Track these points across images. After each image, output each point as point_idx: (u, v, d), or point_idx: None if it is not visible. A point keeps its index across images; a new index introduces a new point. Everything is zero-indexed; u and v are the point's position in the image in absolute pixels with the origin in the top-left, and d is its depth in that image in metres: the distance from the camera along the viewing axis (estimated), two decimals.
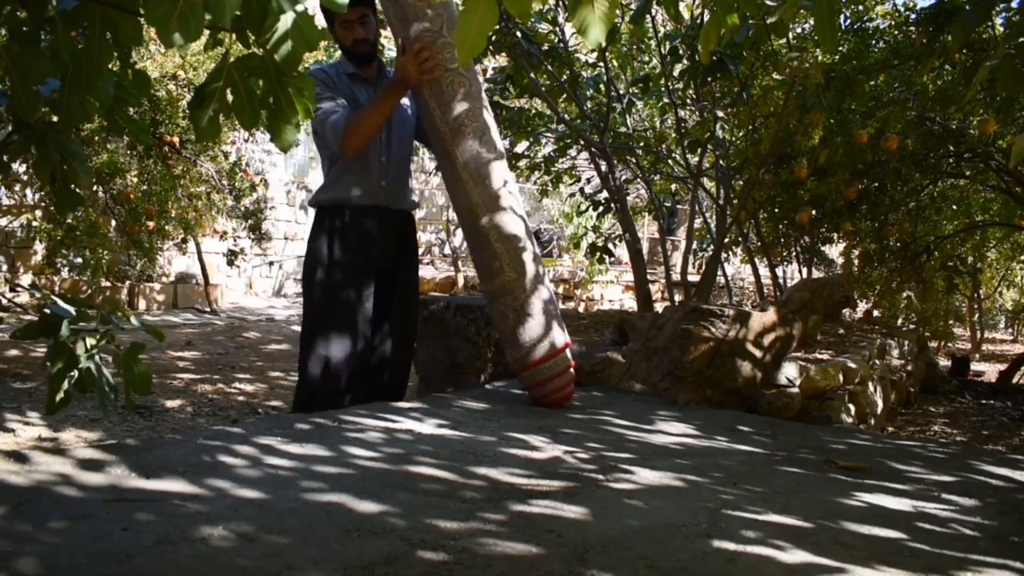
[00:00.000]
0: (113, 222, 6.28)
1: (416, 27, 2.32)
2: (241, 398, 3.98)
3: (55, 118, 1.61)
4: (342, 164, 2.53)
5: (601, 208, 5.18)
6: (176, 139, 5.68)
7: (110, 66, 1.47)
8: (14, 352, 4.76)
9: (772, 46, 4.42)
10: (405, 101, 2.59)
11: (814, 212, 4.74)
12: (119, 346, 1.75)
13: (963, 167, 5.33)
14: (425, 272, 10.13)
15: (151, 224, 5.97)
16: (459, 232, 12.26)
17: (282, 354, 5.61)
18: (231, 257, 7.25)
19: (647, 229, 11.37)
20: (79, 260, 6.56)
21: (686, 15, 4.42)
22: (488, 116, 2.44)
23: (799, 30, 5.27)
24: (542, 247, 12.50)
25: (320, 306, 2.52)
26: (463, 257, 10.98)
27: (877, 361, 4.40)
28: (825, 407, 3.33)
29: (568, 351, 2.50)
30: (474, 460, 1.83)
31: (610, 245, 5.44)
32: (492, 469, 1.76)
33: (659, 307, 5.33)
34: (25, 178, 6.47)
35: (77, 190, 1.72)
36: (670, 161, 5.43)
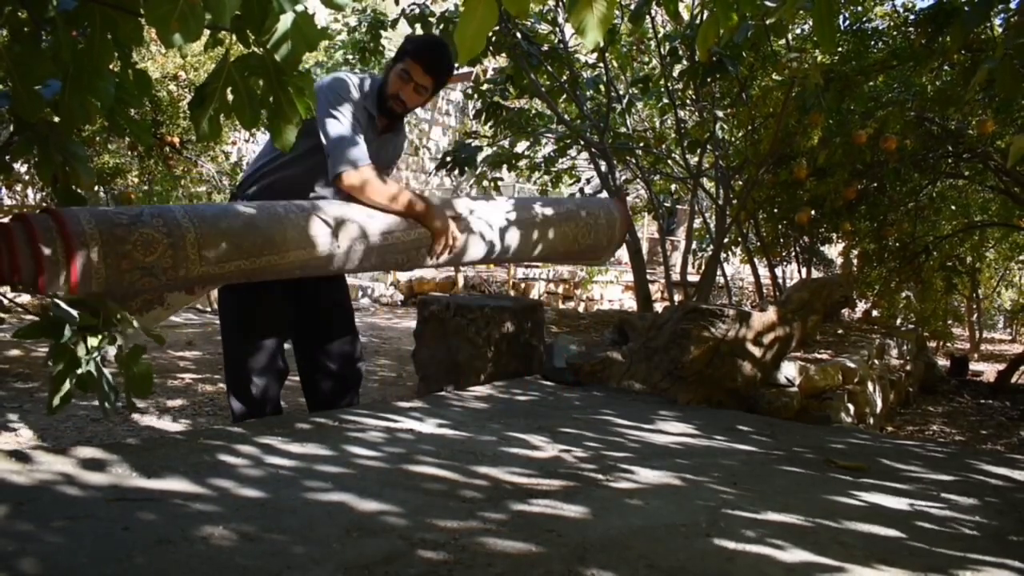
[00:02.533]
0: None
1: (467, 206, 2.32)
2: None
3: (56, 119, 1.61)
4: (280, 161, 2.30)
5: None
6: (177, 139, 5.68)
7: (111, 66, 1.47)
8: (15, 352, 4.76)
9: (771, 47, 4.43)
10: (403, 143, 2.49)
11: (813, 212, 4.75)
12: (121, 347, 1.76)
13: (962, 167, 5.33)
14: (425, 272, 10.13)
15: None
16: None
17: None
18: None
19: (647, 229, 11.37)
20: None
21: (685, 15, 4.42)
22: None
23: (798, 31, 5.28)
24: None
25: (232, 324, 2.34)
26: None
27: (876, 361, 4.41)
28: (824, 407, 3.33)
29: None
30: (474, 460, 1.84)
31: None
32: (492, 468, 1.76)
33: (659, 307, 5.34)
34: (27, 178, 6.47)
35: (79, 191, 1.72)
36: (670, 161, 5.43)
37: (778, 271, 6.05)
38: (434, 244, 2.22)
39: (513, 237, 2.44)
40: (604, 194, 5.09)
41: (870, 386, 3.96)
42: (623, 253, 7.43)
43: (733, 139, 5.44)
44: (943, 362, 7.12)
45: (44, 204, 6.14)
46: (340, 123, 2.16)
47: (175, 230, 1.79)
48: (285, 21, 1.32)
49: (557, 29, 4.83)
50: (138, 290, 1.80)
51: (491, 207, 2.43)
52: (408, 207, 2.16)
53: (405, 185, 2.28)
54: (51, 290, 1.63)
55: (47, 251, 1.62)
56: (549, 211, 2.57)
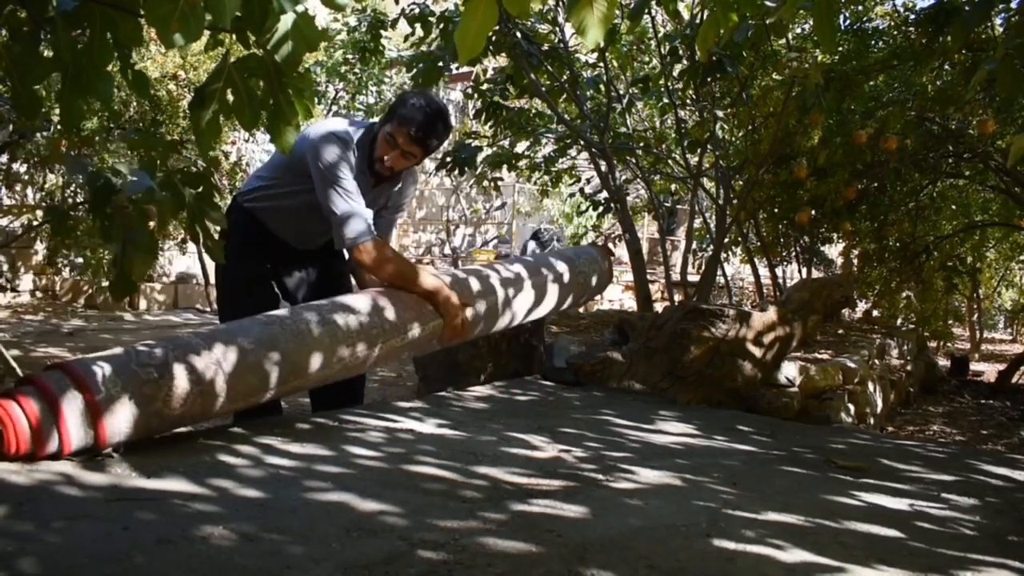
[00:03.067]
0: None
1: (481, 304, 2.34)
2: None
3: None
4: (276, 191, 2.32)
5: (601, 208, 5.19)
6: (176, 139, 5.68)
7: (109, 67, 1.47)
8: (15, 352, 4.76)
9: (771, 46, 4.43)
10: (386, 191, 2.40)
11: (813, 212, 4.74)
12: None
13: (962, 167, 5.33)
14: None
15: (152, 224, 5.97)
16: (459, 232, 12.29)
17: None
18: None
19: (647, 229, 11.37)
20: (80, 260, 6.56)
21: (685, 15, 4.42)
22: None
23: (798, 30, 5.27)
24: (542, 247, 12.51)
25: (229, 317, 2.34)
26: (463, 257, 10.99)
27: (876, 361, 4.41)
28: (825, 407, 3.33)
29: None
30: (474, 460, 1.84)
31: (610, 245, 5.44)
32: (492, 468, 1.76)
33: (659, 307, 5.33)
34: (26, 178, 6.47)
35: (133, 280, 1.68)
36: (670, 161, 5.43)
37: (778, 271, 6.05)
38: (444, 331, 2.22)
39: (521, 308, 2.58)
40: (604, 194, 5.09)
41: (870, 386, 3.96)
42: (623, 253, 7.43)
43: (733, 139, 5.43)
44: (943, 362, 7.12)
45: (44, 204, 6.14)
46: (342, 192, 2.12)
47: (203, 376, 1.74)
48: (285, 22, 1.32)
49: (557, 29, 4.83)
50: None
51: (501, 290, 2.48)
52: (419, 287, 2.16)
53: (412, 279, 2.21)
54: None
55: (73, 424, 1.54)
56: (552, 282, 2.72)
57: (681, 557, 1.31)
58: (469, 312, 2.27)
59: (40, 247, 6.76)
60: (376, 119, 2.43)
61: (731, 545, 1.37)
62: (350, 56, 8.45)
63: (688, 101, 4.98)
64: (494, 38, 4.17)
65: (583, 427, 2.27)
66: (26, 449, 1.51)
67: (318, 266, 2.50)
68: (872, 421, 3.92)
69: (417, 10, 4.47)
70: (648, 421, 2.44)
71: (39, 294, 6.88)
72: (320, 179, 2.14)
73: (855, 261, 6.19)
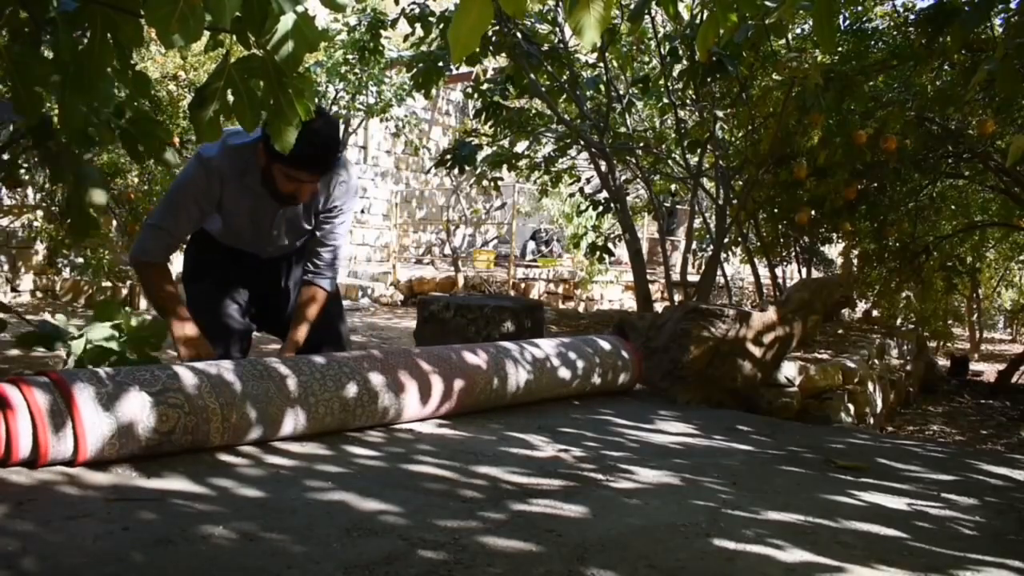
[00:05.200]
0: (114, 222, 6.28)
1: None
2: None
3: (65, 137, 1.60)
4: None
5: (601, 208, 5.19)
6: (177, 139, 5.68)
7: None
8: (15, 352, 4.76)
9: (771, 47, 4.43)
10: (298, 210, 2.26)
11: (813, 212, 4.74)
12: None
13: (962, 167, 5.33)
14: (425, 272, 10.14)
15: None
16: (459, 232, 12.28)
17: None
18: None
19: (647, 229, 11.36)
20: (80, 260, 6.55)
21: (685, 15, 4.42)
22: None
23: (798, 31, 5.27)
24: (541, 247, 12.50)
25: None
26: (463, 257, 10.98)
27: (876, 361, 4.41)
28: (824, 407, 3.33)
29: None
30: (474, 459, 1.84)
31: (610, 245, 5.44)
32: (492, 468, 1.77)
33: (659, 307, 5.34)
34: (26, 178, 6.47)
35: (92, 212, 1.69)
36: (670, 161, 5.43)
37: (778, 271, 6.05)
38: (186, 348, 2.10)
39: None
40: (604, 194, 5.09)
41: (870, 386, 3.97)
42: (623, 253, 7.43)
43: (733, 139, 5.43)
44: (943, 362, 7.12)
45: (43, 204, 6.15)
46: (163, 210, 2.14)
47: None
48: (285, 22, 1.32)
49: (557, 29, 4.83)
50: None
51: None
52: (161, 310, 2.14)
53: (163, 307, 2.14)
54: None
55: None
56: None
57: (681, 557, 1.31)
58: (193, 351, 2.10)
59: (40, 247, 6.76)
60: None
61: (731, 545, 1.38)
62: (350, 56, 8.45)
63: (688, 101, 4.98)
64: (494, 38, 4.17)
65: (583, 427, 2.27)
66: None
67: (270, 276, 2.42)
68: (872, 421, 3.93)
69: (417, 10, 4.47)
70: (648, 421, 2.44)
71: (39, 294, 6.88)
72: (165, 196, 2.17)
73: (855, 261, 6.19)
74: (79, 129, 1.48)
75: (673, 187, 6.70)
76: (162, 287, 2.14)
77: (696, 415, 2.62)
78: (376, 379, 2.03)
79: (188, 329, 2.11)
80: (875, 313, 6.39)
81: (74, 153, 1.59)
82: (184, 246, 2.42)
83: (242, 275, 2.35)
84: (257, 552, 1.22)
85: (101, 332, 1.94)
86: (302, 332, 2.27)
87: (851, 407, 3.57)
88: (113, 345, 1.87)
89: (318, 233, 2.30)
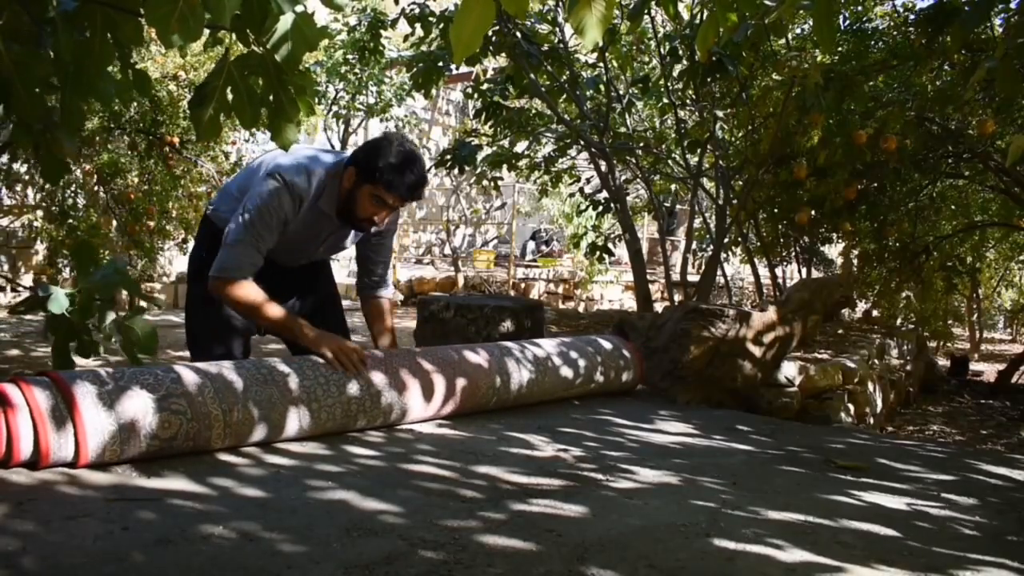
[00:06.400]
0: (114, 222, 6.28)
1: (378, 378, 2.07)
2: None
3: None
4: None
5: (601, 208, 5.19)
6: (176, 139, 5.67)
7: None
8: (15, 352, 4.76)
9: (771, 46, 4.43)
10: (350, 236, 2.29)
11: (813, 212, 4.74)
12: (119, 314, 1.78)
13: (962, 167, 5.33)
14: (425, 272, 10.14)
15: (152, 224, 5.97)
16: (459, 232, 12.28)
17: (283, 351, 5.61)
18: None
19: (647, 229, 11.37)
20: None
21: (685, 15, 4.42)
22: None
23: (798, 30, 5.27)
24: (541, 247, 12.51)
25: (202, 322, 2.27)
26: (463, 257, 10.98)
27: (876, 361, 4.41)
28: (824, 407, 3.33)
29: None
30: (474, 459, 1.84)
31: (610, 245, 5.44)
32: (492, 468, 1.77)
33: (659, 307, 5.33)
34: (27, 178, 6.47)
35: (63, 157, 1.66)
36: (670, 161, 5.43)
37: (778, 271, 6.05)
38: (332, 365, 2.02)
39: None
40: (604, 194, 5.09)
41: (870, 386, 3.97)
42: (623, 253, 7.43)
43: (733, 139, 5.43)
44: (943, 362, 7.13)
45: (43, 204, 6.15)
46: (247, 227, 2.05)
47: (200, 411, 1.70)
48: (285, 21, 1.32)
49: (557, 29, 4.83)
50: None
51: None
52: (290, 333, 2.09)
53: (285, 325, 2.10)
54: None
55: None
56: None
57: (681, 556, 1.31)
58: (346, 345, 2.06)
59: (40, 247, 6.75)
60: (343, 151, 2.29)
61: (731, 545, 1.38)
62: (350, 56, 8.45)
63: (688, 101, 4.98)
64: (494, 38, 4.17)
65: (583, 427, 2.27)
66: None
67: (304, 282, 2.41)
68: (872, 421, 3.93)
69: (417, 10, 4.47)
70: (648, 421, 2.44)
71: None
72: (243, 210, 2.08)
73: (855, 261, 6.19)
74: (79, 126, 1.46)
75: (673, 187, 6.70)
76: (267, 303, 2.07)
77: (696, 415, 2.62)
78: (378, 379, 2.03)
79: (309, 329, 2.08)
80: (875, 313, 6.39)
81: (41, 103, 1.56)
82: (194, 244, 2.40)
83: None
84: (257, 552, 1.22)
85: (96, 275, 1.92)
86: (385, 341, 2.33)
87: (851, 407, 3.57)
88: (102, 289, 1.84)
89: (371, 252, 2.35)
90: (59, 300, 1.80)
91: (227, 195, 2.28)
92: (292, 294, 2.36)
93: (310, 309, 2.39)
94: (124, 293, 6.84)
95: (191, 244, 7.40)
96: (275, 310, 2.08)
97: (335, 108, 9.39)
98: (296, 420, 1.85)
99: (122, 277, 1.83)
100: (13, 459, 1.49)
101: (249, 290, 2.07)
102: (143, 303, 2.00)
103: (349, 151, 2.23)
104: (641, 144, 5.14)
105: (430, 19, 4.45)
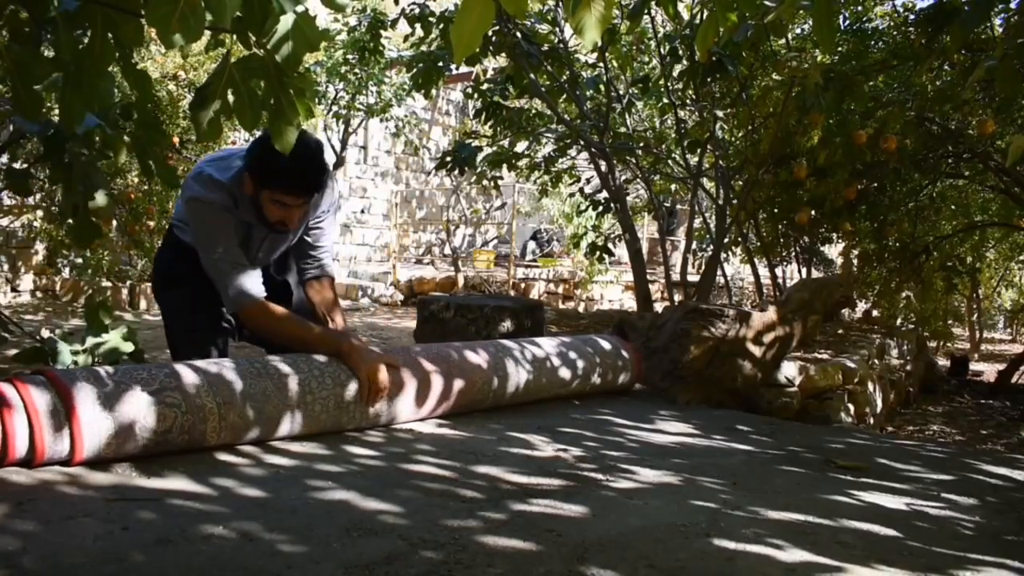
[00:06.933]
0: (114, 222, 6.28)
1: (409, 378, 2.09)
2: None
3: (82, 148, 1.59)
4: None
5: (601, 208, 5.19)
6: (177, 139, 5.68)
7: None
8: (15, 351, 4.76)
9: (771, 46, 4.43)
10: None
11: (813, 212, 4.75)
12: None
13: (962, 167, 5.33)
14: (425, 272, 10.14)
15: (152, 224, 5.97)
16: (459, 232, 12.28)
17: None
18: None
19: (647, 229, 11.37)
20: (80, 260, 6.55)
21: (685, 15, 4.43)
22: None
23: (798, 30, 5.28)
24: (542, 247, 12.50)
25: (179, 327, 2.24)
26: (463, 257, 10.98)
27: (876, 361, 4.41)
28: (824, 407, 3.33)
29: None
30: (474, 459, 1.84)
31: (610, 245, 5.44)
32: (492, 468, 1.77)
33: (659, 307, 5.34)
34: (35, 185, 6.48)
35: (96, 221, 1.68)
36: (670, 161, 5.44)
37: (778, 271, 6.05)
38: (360, 386, 1.97)
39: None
40: (604, 194, 5.09)
41: (870, 386, 3.97)
42: (623, 253, 7.43)
43: (733, 139, 5.43)
44: (943, 362, 7.13)
45: (43, 204, 6.15)
46: (219, 260, 2.01)
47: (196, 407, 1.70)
48: (286, 22, 1.32)
49: (557, 29, 4.83)
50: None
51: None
52: (312, 344, 2.02)
53: (307, 337, 2.05)
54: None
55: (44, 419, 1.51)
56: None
57: (681, 557, 1.31)
58: (384, 373, 1.99)
59: (40, 247, 6.76)
60: (237, 148, 2.18)
61: (731, 545, 1.38)
62: (350, 56, 8.45)
63: (688, 101, 4.98)
64: (494, 38, 4.17)
65: (583, 427, 2.27)
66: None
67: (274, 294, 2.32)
68: (872, 421, 3.93)
69: (417, 10, 4.48)
70: (648, 421, 2.44)
71: (39, 294, 6.88)
72: (198, 246, 2.05)
73: (855, 261, 6.20)
74: (87, 134, 1.47)
75: (673, 187, 6.70)
76: (289, 321, 2.04)
77: (696, 415, 2.62)
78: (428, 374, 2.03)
79: (345, 344, 2.02)
80: (875, 313, 6.39)
81: (84, 161, 1.58)
82: (159, 249, 2.36)
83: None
84: (257, 552, 1.22)
85: (104, 338, 1.94)
86: (339, 318, 2.28)
87: (851, 407, 3.57)
88: (120, 346, 1.88)
89: (308, 239, 2.27)
90: (63, 357, 1.81)
91: (179, 209, 2.25)
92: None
93: None
94: (124, 292, 6.85)
95: None
96: (299, 328, 2.03)
97: (335, 108, 9.39)
98: (290, 418, 1.85)
99: (129, 349, 1.84)
100: (8, 457, 1.49)
101: (270, 312, 2.02)
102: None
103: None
104: (641, 144, 5.14)
105: (430, 19, 4.45)
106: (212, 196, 2.02)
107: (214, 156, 2.14)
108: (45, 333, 1.64)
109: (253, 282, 2.04)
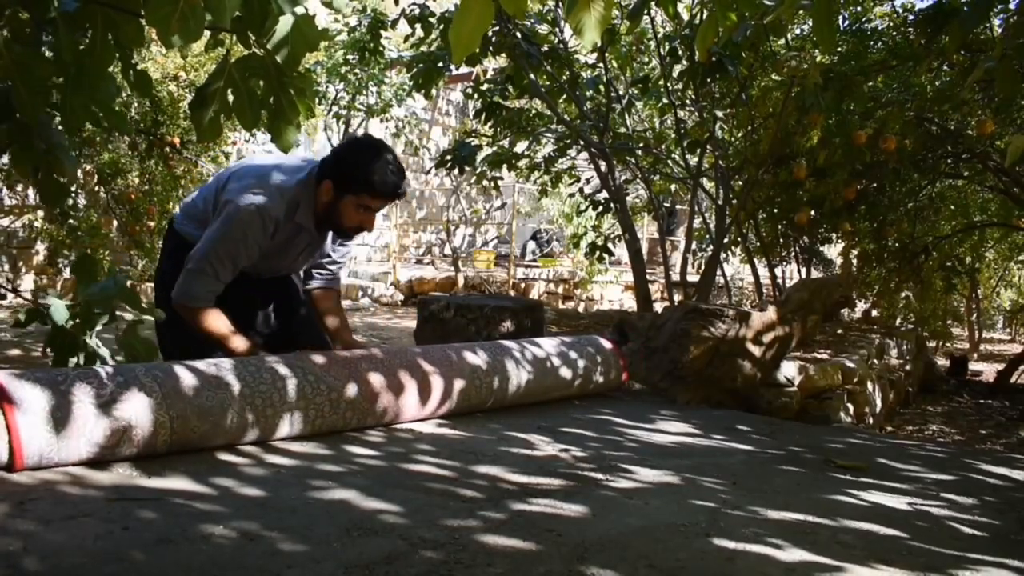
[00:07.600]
0: (115, 222, 6.28)
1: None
2: None
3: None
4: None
5: (601, 208, 5.19)
6: (177, 139, 5.68)
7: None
8: (15, 352, 4.76)
9: (771, 47, 4.43)
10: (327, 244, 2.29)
11: (813, 212, 4.75)
12: (118, 327, 1.78)
13: (961, 168, 5.34)
14: (425, 272, 10.14)
15: (152, 224, 5.97)
16: (459, 232, 12.28)
17: None
18: None
19: (647, 229, 11.37)
20: None
21: (685, 15, 4.43)
22: None
23: (798, 31, 5.28)
24: (542, 247, 12.50)
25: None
26: (463, 257, 10.98)
27: (875, 361, 4.41)
28: (824, 406, 3.34)
29: None
30: (474, 459, 1.84)
31: (610, 245, 5.44)
32: (492, 468, 1.77)
33: (659, 307, 5.34)
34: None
35: (63, 180, 1.65)
36: (669, 161, 5.44)
37: (778, 271, 6.05)
38: None
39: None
40: (604, 194, 5.10)
41: (870, 386, 3.97)
42: (623, 253, 7.44)
43: (733, 139, 5.44)
44: (942, 362, 7.13)
45: (44, 204, 6.15)
46: (212, 256, 2.01)
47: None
48: (285, 22, 1.32)
49: (557, 29, 4.83)
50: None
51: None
52: (227, 348, 2.04)
53: (224, 342, 2.05)
54: None
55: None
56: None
57: (681, 556, 1.31)
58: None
59: (41, 247, 6.76)
60: (309, 159, 2.19)
61: (731, 544, 1.38)
62: (350, 56, 8.45)
63: (688, 101, 4.98)
64: (494, 39, 4.17)
65: (583, 427, 2.28)
66: None
67: (277, 292, 2.36)
68: (871, 421, 3.93)
69: (417, 11, 4.48)
70: (648, 421, 2.44)
71: (39, 294, 6.89)
72: (212, 239, 2.03)
73: (854, 261, 6.20)
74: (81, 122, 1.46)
75: (673, 187, 6.70)
76: (231, 335, 2.05)
77: (696, 415, 2.62)
78: (376, 380, 2.03)
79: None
80: (875, 313, 6.39)
81: (45, 122, 1.54)
82: (161, 258, 2.33)
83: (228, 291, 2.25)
84: (257, 551, 1.22)
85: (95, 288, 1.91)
86: (348, 334, 2.32)
87: (851, 407, 3.58)
88: (101, 302, 1.85)
89: (333, 254, 2.34)
90: (59, 311, 1.80)
91: (193, 208, 2.21)
92: (267, 304, 2.33)
93: (285, 318, 2.37)
94: None
95: None
96: (239, 343, 2.04)
97: (335, 108, 9.39)
98: (288, 424, 1.84)
99: (121, 290, 1.83)
100: None
101: (212, 320, 2.03)
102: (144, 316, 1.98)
103: (311, 158, 2.19)
104: (641, 144, 5.14)
105: (430, 20, 4.45)
106: (272, 206, 2.01)
107: (278, 165, 2.11)
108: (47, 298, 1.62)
109: (212, 294, 2.04)
